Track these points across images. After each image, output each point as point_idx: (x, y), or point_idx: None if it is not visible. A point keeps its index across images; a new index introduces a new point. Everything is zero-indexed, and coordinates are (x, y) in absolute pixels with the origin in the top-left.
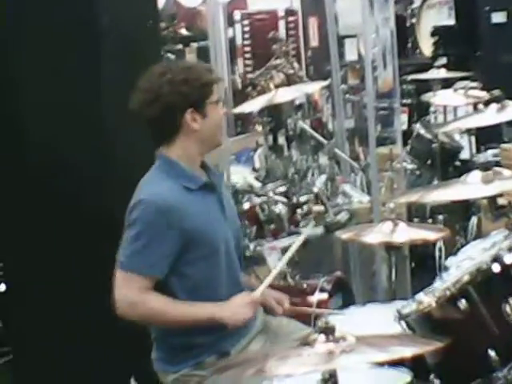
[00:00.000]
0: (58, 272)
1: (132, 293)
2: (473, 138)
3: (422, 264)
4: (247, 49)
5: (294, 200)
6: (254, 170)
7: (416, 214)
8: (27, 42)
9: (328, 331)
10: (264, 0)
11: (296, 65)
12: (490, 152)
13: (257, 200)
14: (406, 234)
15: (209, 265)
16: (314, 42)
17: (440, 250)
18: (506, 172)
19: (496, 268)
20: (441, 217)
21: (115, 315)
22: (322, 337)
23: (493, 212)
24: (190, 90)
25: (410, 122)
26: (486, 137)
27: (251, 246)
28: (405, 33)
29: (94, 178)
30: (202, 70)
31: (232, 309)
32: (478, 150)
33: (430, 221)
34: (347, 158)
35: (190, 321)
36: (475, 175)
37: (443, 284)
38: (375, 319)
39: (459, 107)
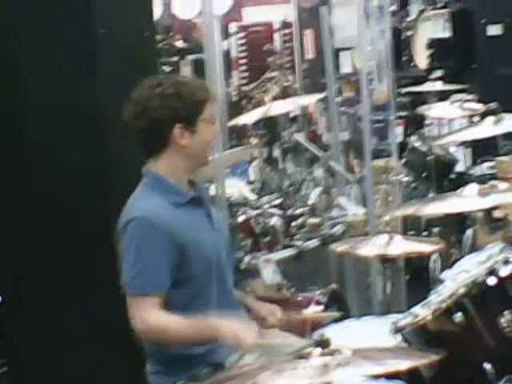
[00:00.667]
0: (57, 273)
1: (146, 313)
2: (468, 151)
3: (417, 277)
4: (242, 61)
5: (289, 212)
6: (249, 182)
7: (411, 226)
8: (27, 42)
9: (323, 344)
10: (259, 12)
11: (291, 77)
12: (486, 165)
13: (252, 213)
14: (401, 246)
15: (202, 277)
16: (310, 54)
17: (435, 262)
18: (501, 185)
19: (492, 281)
20: (436, 229)
21: (114, 317)
22: (318, 350)
23: (489, 225)
24: (181, 105)
25: (406, 134)
26: (482, 149)
27: (246, 259)
28: (400, 45)
29: (93, 178)
30: (195, 86)
31: (235, 330)
32: (474, 163)
33: (425, 233)
34: (342, 171)
35: (193, 340)
36: (471, 188)
37: (439, 297)
38: (371, 332)
39: (455, 120)
